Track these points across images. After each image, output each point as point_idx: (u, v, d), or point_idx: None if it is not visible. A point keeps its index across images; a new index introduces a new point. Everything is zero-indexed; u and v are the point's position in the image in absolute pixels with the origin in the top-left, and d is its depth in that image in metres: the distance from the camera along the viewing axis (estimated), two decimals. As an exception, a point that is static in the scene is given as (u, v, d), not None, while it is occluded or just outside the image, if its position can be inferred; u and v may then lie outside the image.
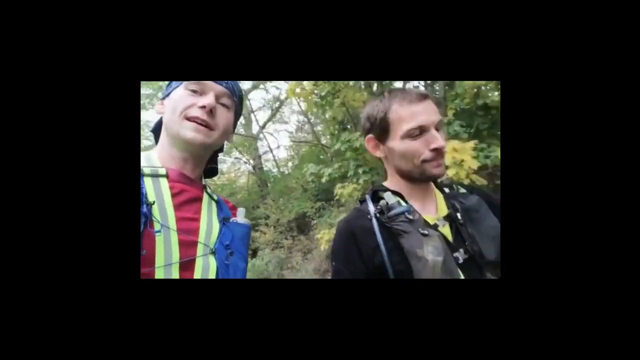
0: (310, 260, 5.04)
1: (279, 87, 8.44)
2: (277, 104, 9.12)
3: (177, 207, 0.65)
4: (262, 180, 8.73)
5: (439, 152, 0.71)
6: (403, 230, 0.67)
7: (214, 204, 0.74)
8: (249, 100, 8.74)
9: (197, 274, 0.63)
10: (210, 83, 0.69)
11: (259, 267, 5.47)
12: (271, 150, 9.57)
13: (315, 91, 3.40)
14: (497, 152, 2.28)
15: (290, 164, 9.57)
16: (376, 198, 0.76)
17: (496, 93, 2.28)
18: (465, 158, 1.97)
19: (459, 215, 0.74)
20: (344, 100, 3.19)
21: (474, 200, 0.76)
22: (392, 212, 0.70)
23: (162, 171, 0.66)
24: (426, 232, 0.67)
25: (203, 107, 0.67)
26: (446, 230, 0.72)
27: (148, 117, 7.29)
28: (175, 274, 0.60)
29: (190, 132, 0.67)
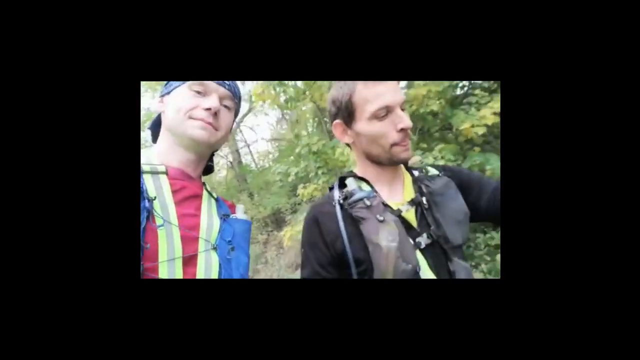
0: (284, 254, 5.21)
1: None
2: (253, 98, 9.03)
3: (178, 203, 0.66)
4: (240, 175, 8.76)
5: (405, 133, 0.71)
6: (361, 216, 0.68)
7: (213, 202, 0.75)
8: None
9: (200, 269, 0.64)
10: (213, 85, 0.70)
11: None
12: (248, 146, 9.58)
13: (281, 95, 3.44)
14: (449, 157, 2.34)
15: (270, 155, 9.59)
16: (343, 184, 0.77)
17: (437, 102, 2.44)
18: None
19: (424, 199, 0.74)
20: (313, 99, 3.18)
21: (440, 183, 0.75)
22: (352, 198, 0.71)
23: (162, 168, 0.67)
24: (382, 218, 0.66)
25: (208, 109, 0.68)
26: (410, 214, 0.72)
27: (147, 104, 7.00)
28: (178, 269, 0.61)
29: (197, 130, 0.68)
